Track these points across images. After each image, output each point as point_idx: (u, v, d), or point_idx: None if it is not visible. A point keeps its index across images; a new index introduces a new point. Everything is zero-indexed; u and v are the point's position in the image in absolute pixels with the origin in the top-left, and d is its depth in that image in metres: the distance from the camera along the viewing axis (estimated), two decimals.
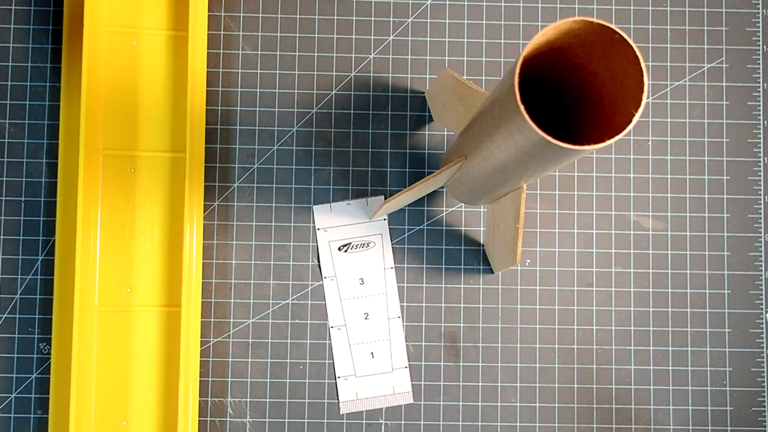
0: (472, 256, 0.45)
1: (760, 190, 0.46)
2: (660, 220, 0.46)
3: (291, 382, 0.44)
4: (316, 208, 0.45)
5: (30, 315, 0.44)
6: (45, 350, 0.43)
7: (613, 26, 0.26)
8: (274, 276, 0.44)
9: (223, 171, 0.45)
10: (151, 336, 0.43)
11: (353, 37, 0.46)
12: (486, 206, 0.45)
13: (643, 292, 0.45)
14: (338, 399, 0.44)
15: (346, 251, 0.45)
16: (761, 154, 0.46)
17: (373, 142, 0.45)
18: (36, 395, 0.43)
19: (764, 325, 0.45)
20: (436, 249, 0.45)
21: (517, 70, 0.26)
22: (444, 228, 0.45)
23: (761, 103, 0.46)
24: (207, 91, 0.45)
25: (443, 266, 0.45)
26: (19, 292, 0.44)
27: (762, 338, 0.45)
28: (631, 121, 0.26)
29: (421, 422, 0.44)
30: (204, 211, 0.45)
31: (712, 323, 0.45)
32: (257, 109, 0.45)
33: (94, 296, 0.43)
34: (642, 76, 0.26)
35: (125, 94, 0.44)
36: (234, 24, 0.46)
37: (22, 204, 0.44)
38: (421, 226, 0.45)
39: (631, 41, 0.26)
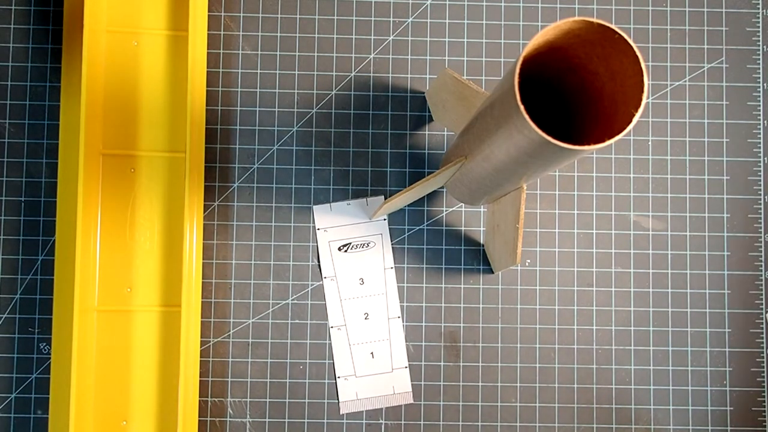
0: (472, 256, 0.45)
1: (760, 190, 0.46)
2: (660, 220, 0.46)
3: (291, 382, 0.44)
4: (316, 208, 0.45)
5: (30, 315, 0.44)
6: (45, 350, 0.43)
7: (613, 26, 0.26)
8: (274, 276, 0.44)
9: (223, 171, 0.45)
10: (151, 336, 0.43)
11: (353, 37, 0.46)
12: (486, 206, 0.45)
13: (643, 292, 0.45)
14: (338, 399, 0.44)
15: (346, 251, 0.45)
16: (761, 154, 0.46)
17: (373, 142, 0.45)
18: (36, 395, 0.43)
19: (764, 325, 0.45)
20: (436, 249, 0.45)
21: (517, 70, 0.26)
22: (444, 228, 0.45)
23: (761, 103, 0.46)
24: (207, 91, 0.45)
25: (443, 266, 0.45)
26: (19, 292, 0.44)
27: (762, 338, 0.45)
28: (631, 121, 0.26)
29: (421, 422, 0.44)
30: (204, 211, 0.44)
31: (712, 323, 0.45)
32: (257, 109, 0.45)
33: (94, 296, 0.43)
34: (642, 76, 0.26)
35: (125, 94, 0.44)
36: (234, 24, 0.46)
37: (22, 204, 0.44)
38: (421, 226, 0.45)
39: (631, 41, 0.26)
